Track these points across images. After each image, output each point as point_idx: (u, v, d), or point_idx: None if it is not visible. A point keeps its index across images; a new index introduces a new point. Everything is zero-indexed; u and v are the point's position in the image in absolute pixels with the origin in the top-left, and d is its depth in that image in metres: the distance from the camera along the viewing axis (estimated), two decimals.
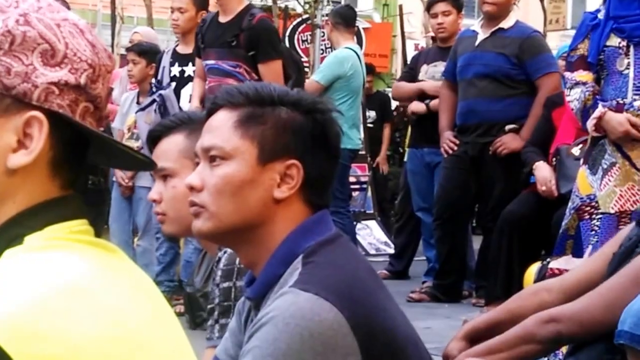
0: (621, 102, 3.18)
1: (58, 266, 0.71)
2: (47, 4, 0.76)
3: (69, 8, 1.60)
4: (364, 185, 6.59)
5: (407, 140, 5.85)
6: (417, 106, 4.94)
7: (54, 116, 0.73)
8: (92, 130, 0.77)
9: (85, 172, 0.85)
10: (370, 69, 6.54)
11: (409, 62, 6.19)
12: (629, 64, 3.19)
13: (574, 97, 3.16)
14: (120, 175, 4.55)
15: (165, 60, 4.44)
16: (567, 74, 3.37)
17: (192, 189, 1.24)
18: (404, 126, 6.60)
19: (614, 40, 3.21)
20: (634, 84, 3.24)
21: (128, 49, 5.05)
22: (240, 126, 1.23)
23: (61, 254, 0.73)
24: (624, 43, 3.21)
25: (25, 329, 0.66)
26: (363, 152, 6.17)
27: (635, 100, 3.19)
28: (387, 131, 7.08)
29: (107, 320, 0.71)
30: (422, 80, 4.90)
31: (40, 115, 0.70)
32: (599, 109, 3.09)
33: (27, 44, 0.72)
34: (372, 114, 7.09)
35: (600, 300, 1.97)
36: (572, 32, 3.85)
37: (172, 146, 1.77)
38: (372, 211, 6.69)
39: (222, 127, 1.25)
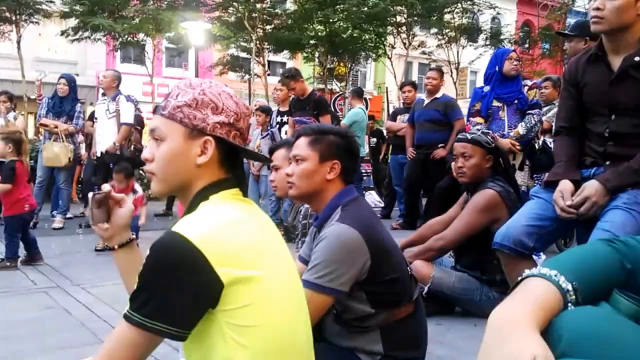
0: (503, 133, 4.63)
1: (224, 209, 1.21)
2: (215, 84, 1.27)
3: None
4: (368, 173, 9.66)
5: (389, 152, 8.30)
6: (396, 127, 7.12)
7: (218, 139, 1.23)
8: (238, 145, 1.26)
9: (238, 165, 1.32)
10: (371, 117, 10.12)
11: (391, 114, 8.49)
12: (504, 115, 4.70)
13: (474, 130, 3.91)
14: (253, 168, 6.42)
15: (274, 114, 6.61)
16: (470, 119, 4.87)
17: (288, 175, 1.94)
18: (389, 145, 8.92)
19: (496, 103, 4.71)
20: (508, 124, 4.68)
21: (257, 109, 6.81)
22: (311, 143, 1.91)
23: (226, 204, 1.23)
24: (501, 104, 4.71)
25: (211, 238, 1.11)
26: (367, 158, 9.37)
27: (509, 132, 4.64)
28: (383, 147, 10.08)
29: (250, 235, 1.19)
30: (399, 122, 7.18)
31: (210, 138, 1.22)
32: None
33: (204, 104, 1.23)
34: (373, 140, 10.19)
35: (459, 224, 3.14)
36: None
37: (280, 154, 2.51)
38: (372, 186, 9.75)
39: (302, 145, 1.92)
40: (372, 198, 9.03)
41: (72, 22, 14.17)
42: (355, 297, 1.79)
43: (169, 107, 1.24)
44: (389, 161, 8.14)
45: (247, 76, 17.05)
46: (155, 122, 1.27)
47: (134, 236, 1.49)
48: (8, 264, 4.49)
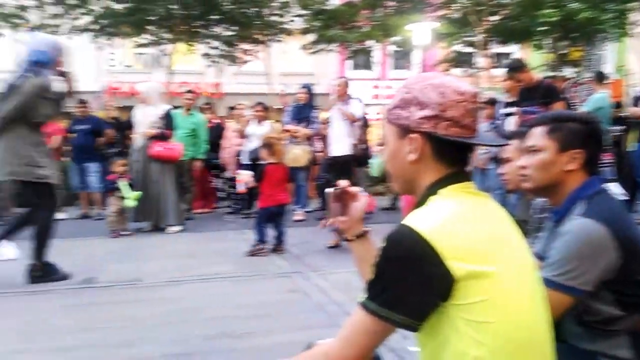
0: None
1: (454, 203, 1.18)
2: (422, 78, 1.23)
3: None
4: (610, 164, 7.21)
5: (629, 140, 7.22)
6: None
7: (424, 133, 1.20)
8: (448, 137, 1.19)
9: (463, 158, 1.24)
10: (617, 105, 8.40)
11: (633, 99, 7.60)
12: None
13: None
14: (478, 162, 6.33)
15: (500, 106, 6.39)
16: None
17: (522, 167, 1.79)
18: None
19: None
20: None
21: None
22: (548, 132, 1.72)
23: (456, 197, 1.19)
24: None
25: (441, 231, 1.09)
26: (610, 147, 7.84)
27: None
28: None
29: (484, 229, 1.14)
30: None
31: (415, 135, 1.20)
32: None
33: (408, 102, 1.21)
34: (617, 127, 7.97)
35: None
36: None
37: (512, 146, 2.36)
38: (613, 178, 7.23)
39: (538, 134, 1.74)
40: (615, 191, 8.02)
41: (310, 37, 15.32)
42: (601, 298, 1.59)
43: (388, 111, 1.26)
44: (629, 150, 7.27)
45: (471, 71, 16.60)
46: (384, 127, 1.30)
47: (369, 228, 1.54)
48: (258, 248, 5.05)
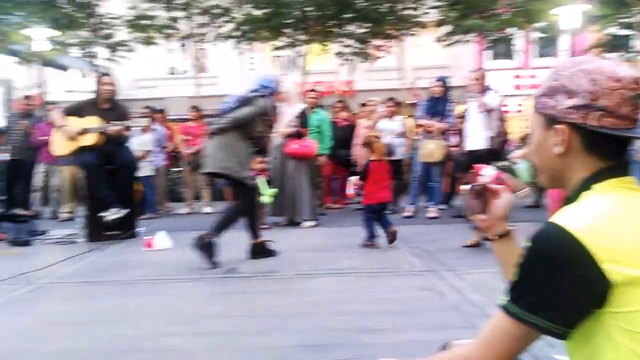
0: None
1: (613, 200, 1.06)
2: (574, 63, 1.12)
3: None
4: None
5: None
6: None
7: (572, 124, 1.09)
8: (600, 129, 1.06)
9: (622, 150, 1.12)
10: None
11: None
12: None
13: None
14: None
15: None
16: None
17: None
18: None
19: None
20: None
21: None
22: None
23: (616, 193, 1.07)
24: None
25: (597, 231, 0.99)
26: None
27: None
28: None
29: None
30: None
31: (561, 126, 1.10)
32: None
33: (556, 89, 1.11)
34: None
35: None
36: None
37: None
38: None
39: None
40: None
41: (445, 28, 14.92)
42: None
43: (535, 99, 1.17)
44: None
45: (629, 55, 15.14)
46: (532, 116, 1.21)
47: (513, 227, 1.45)
48: (368, 243, 5.22)
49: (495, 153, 6.72)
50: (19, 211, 8.33)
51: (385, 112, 8.03)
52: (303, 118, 6.91)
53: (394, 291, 3.74)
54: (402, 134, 8.11)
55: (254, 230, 4.92)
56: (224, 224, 4.66)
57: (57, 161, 8.34)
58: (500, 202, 1.44)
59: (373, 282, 4.04)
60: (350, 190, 6.29)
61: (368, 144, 5.41)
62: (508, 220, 1.44)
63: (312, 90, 8.53)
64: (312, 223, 6.83)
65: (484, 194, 1.45)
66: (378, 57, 15.99)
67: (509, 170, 6.84)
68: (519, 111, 16.54)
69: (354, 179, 5.70)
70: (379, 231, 5.32)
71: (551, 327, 1.01)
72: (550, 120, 1.12)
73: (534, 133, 1.18)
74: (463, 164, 7.18)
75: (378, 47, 15.53)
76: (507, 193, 1.46)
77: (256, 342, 2.83)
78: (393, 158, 7.90)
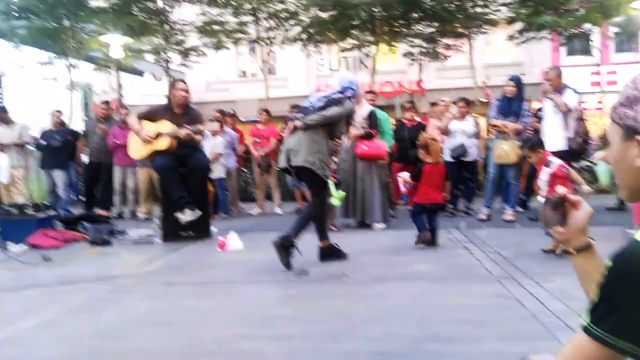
0: None
1: None
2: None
3: None
4: None
5: None
6: None
7: None
8: None
9: None
10: None
11: None
12: None
13: None
14: None
15: None
16: None
17: None
18: None
19: None
20: None
21: None
22: None
23: None
24: None
25: None
26: None
27: None
28: None
29: None
30: None
31: None
32: None
33: (636, 100, 1.05)
34: None
35: None
36: None
37: None
38: None
39: None
40: None
41: (518, 25, 14.46)
42: None
43: (612, 109, 1.11)
44: None
45: None
46: (609, 125, 1.15)
47: (593, 241, 1.37)
48: (422, 238, 5.30)
49: (575, 154, 6.42)
50: (99, 212, 8.74)
51: (456, 112, 7.83)
52: (372, 119, 6.85)
53: (469, 298, 3.61)
54: (475, 135, 7.87)
55: (322, 232, 4.88)
56: (302, 225, 4.66)
57: (132, 164, 8.69)
58: (579, 214, 1.36)
59: (446, 288, 3.91)
60: (402, 187, 6.19)
61: (424, 146, 5.40)
62: (588, 232, 1.36)
63: (369, 92, 8.45)
64: (383, 225, 6.75)
65: (562, 205, 1.37)
66: (448, 56, 15.68)
67: (590, 172, 6.51)
68: (599, 109, 15.75)
69: (404, 174, 5.72)
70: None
71: (636, 351, 0.96)
72: (630, 132, 1.05)
73: (613, 145, 1.12)
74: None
75: (448, 46, 15.23)
76: (586, 205, 1.37)
77: (326, 347, 2.79)
78: (466, 159, 7.72)
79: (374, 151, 6.71)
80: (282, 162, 4.88)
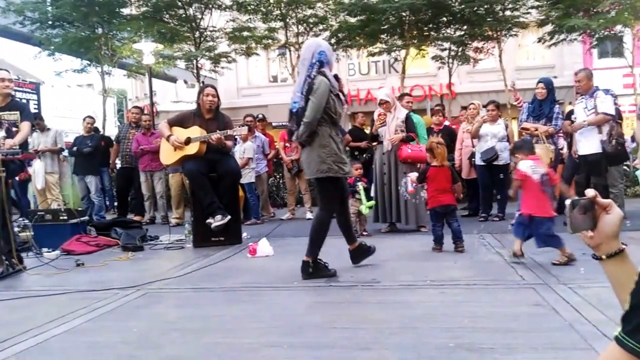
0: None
1: None
2: None
3: None
4: None
5: None
6: None
7: None
8: None
9: None
10: None
11: None
12: None
13: None
14: None
15: None
16: None
17: None
18: None
19: None
20: None
21: None
22: None
23: None
24: None
25: None
26: None
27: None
28: None
29: None
30: None
31: None
32: None
33: None
34: None
35: None
36: None
37: None
38: None
39: None
40: None
41: (548, 28, 14.22)
42: None
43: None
44: None
45: None
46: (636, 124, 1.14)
47: (625, 246, 1.28)
48: (435, 248, 5.38)
49: (610, 157, 6.26)
50: (131, 217, 8.86)
51: (487, 115, 7.70)
52: (409, 123, 6.78)
53: (502, 306, 3.52)
54: (506, 138, 7.74)
55: (349, 236, 4.78)
56: (315, 243, 4.51)
57: (157, 169, 8.81)
58: (609, 218, 1.28)
59: (478, 295, 3.82)
60: (409, 186, 6.14)
61: (430, 150, 5.52)
62: (619, 237, 1.28)
63: (407, 95, 8.41)
64: (417, 229, 6.75)
65: (591, 208, 1.29)
66: (478, 59, 15.50)
67: (629, 176, 6.34)
68: (633, 111, 15.35)
69: (413, 175, 5.85)
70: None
71: None
72: None
73: None
74: (575, 169, 6.77)
75: (477, 49, 15.06)
76: (617, 209, 1.29)
77: (356, 356, 2.75)
78: (498, 163, 7.58)
79: (418, 154, 6.62)
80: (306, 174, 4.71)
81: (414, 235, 6.61)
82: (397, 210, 6.72)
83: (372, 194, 6.91)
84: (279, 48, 17.40)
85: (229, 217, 6.15)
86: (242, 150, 8.62)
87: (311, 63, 4.32)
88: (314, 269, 4.47)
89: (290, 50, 16.20)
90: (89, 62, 15.71)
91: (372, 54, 15.73)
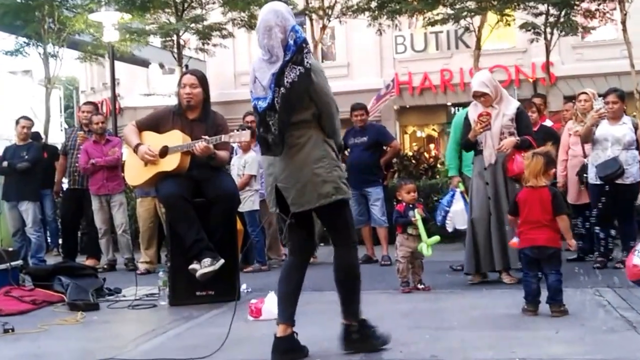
0: None
1: None
2: None
3: None
4: None
5: None
6: None
7: None
8: None
9: None
10: None
11: None
12: None
13: None
14: None
15: None
16: None
17: None
18: None
19: None
20: None
21: None
22: None
23: None
24: None
25: None
26: None
27: None
28: None
29: None
30: None
31: None
32: None
33: None
34: None
35: None
36: None
37: None
38: None
39: None
40: None
41: None
42: None
43: None
44: None
45: None
46: None
47: None
48: (525, 307, 5.30)
49: None
50: (82, 261, 8.90)
51: (605, 111, 7.57)
52: (523, 121, 6.71)
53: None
54: (635, 144, 7.59)
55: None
56: (353, 297, 4.49)
57: (115, 191, 8.85)
58: None
59: None
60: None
61: (547, 160, 5.31)
62: None
63: None
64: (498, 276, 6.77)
65: None
66: (590, 28, 15.39)
67: None
68: None
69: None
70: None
71: None
72: None
73: None
74: None
75: (589, 13, 14.94)
76: None
77: None
78: (623, 181, 7.39)
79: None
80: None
81: (495, 287, 6.54)
82: (503, 254, 6.58)
83: (462, 226, 6.96)
84: (297, 16, 17.53)
85: (222, 261, 6.12)
86: (242, 165, 8.62)
87: (288, 45, 4.12)
88: (361, 336, 4.34)
89: (311, 20, 16.30)
90: (26, 41, 16.02)
91: (432, 23, 15.71)
